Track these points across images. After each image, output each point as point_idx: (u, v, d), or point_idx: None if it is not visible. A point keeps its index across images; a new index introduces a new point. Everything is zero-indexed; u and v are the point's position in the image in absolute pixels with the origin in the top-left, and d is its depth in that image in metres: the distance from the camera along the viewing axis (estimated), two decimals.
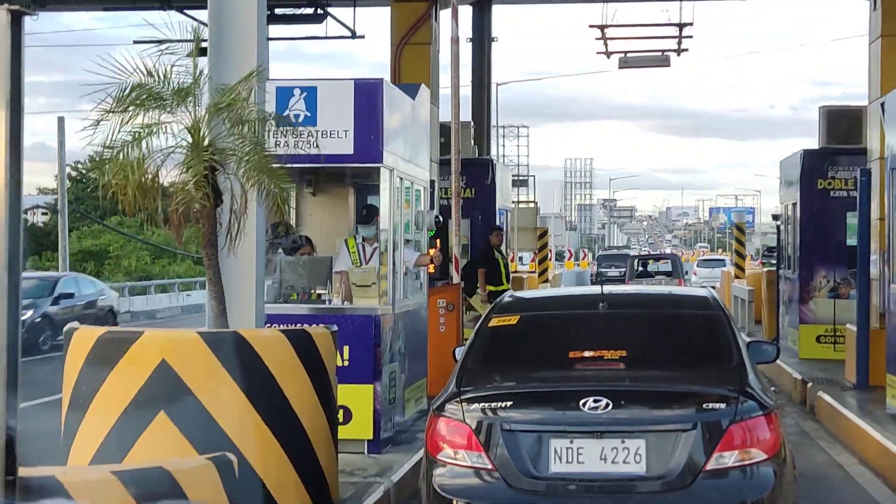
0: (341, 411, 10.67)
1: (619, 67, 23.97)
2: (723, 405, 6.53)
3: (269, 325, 10.77)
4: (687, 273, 44.78)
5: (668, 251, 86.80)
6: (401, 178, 11.74)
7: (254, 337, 7.71)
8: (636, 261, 41.13)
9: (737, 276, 28.21)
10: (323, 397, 7.90)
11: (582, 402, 6.49)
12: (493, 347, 7.56)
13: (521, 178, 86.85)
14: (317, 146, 10.69)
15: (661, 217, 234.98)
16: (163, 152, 7.89)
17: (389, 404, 11.15)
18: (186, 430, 7.42)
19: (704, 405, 6.57)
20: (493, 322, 7.74)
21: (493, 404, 6.68)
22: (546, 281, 28.92)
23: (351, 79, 11.07)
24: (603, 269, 55.16)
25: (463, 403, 6.72)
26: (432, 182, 15.54)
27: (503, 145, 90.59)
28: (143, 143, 7.76)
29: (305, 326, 8.64)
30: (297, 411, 7.67)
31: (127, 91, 7.78)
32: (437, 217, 13.24)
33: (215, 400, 7.49)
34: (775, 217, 20.86)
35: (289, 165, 9.90)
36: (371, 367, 10.68)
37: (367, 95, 10.83)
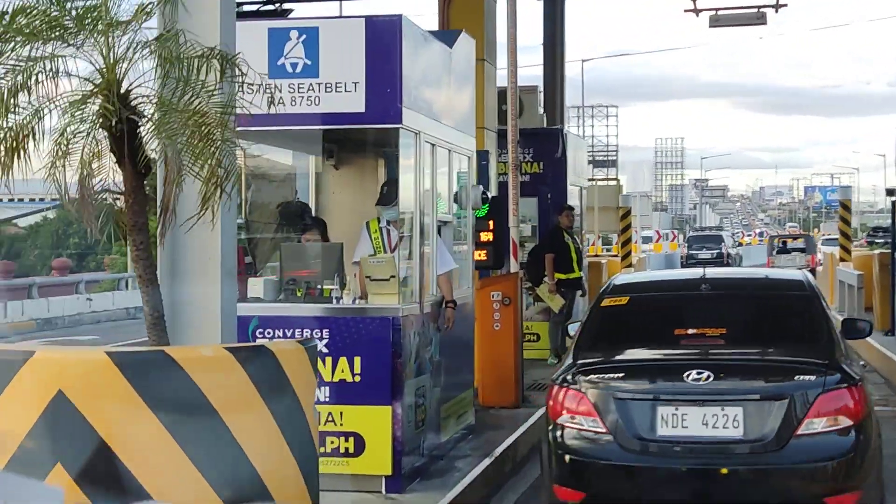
0: (351, 440, 8.43)
1: (710, 26, 21.35)
2: (813, 377, 7.20)
3: (260, 329, 8.52)
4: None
5: (758, 231, 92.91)
6: (431, 145, 9.40)
7: (187, 358, 5.46)
8: (776, 239, 51.86)
9: (842, 259, 25.26)
10: (290, 431, 5.62)
11: (686, 374, 7.26)
12: (605, 325, 8.25)
13: (608, 157, 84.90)
14: (318, 103, 8.43)
15: (755, 196, 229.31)
16: (63, 99, 5.66)
17: (416, 428, 8.85)
18: (91, 489, 5.24)
19: (796, 377, 7.25)
20: (606, 302, 8.39)
21: (607, 375, 7.50)
22: (630, 266, 26.37)
23: (361, 16, 8.75)
24: (693, 252, 52.37)
25: (579, 375, 7.49)
26: (483, 153, 13.18)
27: (592, 126, 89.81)
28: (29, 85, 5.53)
29: (267, 342, 6.34)
30: (248, 454, 5.42)
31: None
32: (484, 193, 10.87)
33: (132, 444, 5.28)
34: (890, 192, 18.12)
35: (264, 128, 7.68)
36: (388, 384, 8.38)
37: (382, 37, 8.50)
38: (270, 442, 5.53)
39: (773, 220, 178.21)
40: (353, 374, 8.41)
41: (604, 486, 7.33)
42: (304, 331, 8.47)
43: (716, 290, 8.54)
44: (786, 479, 7.02)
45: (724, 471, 7.04)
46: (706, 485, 7.14)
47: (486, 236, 12.37)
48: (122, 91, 5.71)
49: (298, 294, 8.86)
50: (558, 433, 7.40)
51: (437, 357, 9.50)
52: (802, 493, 7.08)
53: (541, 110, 17.24)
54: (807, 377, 7.16)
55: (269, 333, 8.50)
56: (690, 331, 8.00)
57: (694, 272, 10.44)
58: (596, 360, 7.63)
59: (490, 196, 12.49)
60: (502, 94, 17.15)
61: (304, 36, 8.53)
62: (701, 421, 7.07)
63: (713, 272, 9.58)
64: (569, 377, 7.48)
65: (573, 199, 18.20)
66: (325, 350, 8.40)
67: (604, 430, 7.21)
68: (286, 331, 8.48)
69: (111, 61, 5.67)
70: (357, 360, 8.40)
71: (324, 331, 8.44)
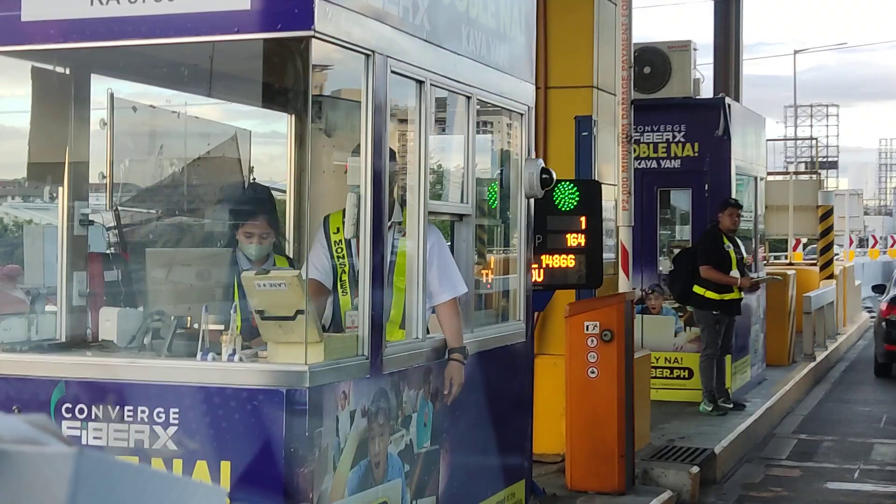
0: None
1: None
2: None
3: (68, 404, 4.79)
4: None
5: None
6: (417, 81, 5.47)
7: None
8: None
9: None
10: None
11: None
12: None
13: (828, 159, 79.89)
14: None
15: None
16: None
17: None
18: None
19: None
20: None
21: None
22: (830, 277, 21.62)
23: None
24: None
25: None
26: (584, 120, 9.15)
27: (811, 126, 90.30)
28: None
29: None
30: None
31: None
32: (546, 172, 6.80)
33: None
34: None
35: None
36: None
37: None
38: None
39: None
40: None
41: None
42: (141, 409, 4.66)
43: None
44: None
45: None
46: None
47: (574, 239, 8.33)
48: None
49: (163, 339, 5.06)
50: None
51: (432, 443, 5.56)
52: None
53: (696, 74, 13.01)
54: None
55: (81, 410, 4.73)
56: None
57: None
58: None
59: (581, 181, 8.46)
60: (646, 52, 13.02)
61: None
62: None
63: None
64: None
65: (742, 195, 13.88)
66: (172, 447, 4.59)
67: None
68: (109, 407, 4.70)
69: None
70: (225, 467, 4.54)
71: (171, 411, 4.62)
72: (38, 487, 0.87)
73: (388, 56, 5.10)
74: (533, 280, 8.08)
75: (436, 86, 5.66)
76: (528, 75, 6.93)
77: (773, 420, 12.86)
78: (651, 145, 13.16)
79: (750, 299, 13.59)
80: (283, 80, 6.07)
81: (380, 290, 5.05)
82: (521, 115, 6.82)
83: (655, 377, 13.07)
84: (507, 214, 6.88)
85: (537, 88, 10.03)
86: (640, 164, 13.20)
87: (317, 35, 4.57)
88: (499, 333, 6.52)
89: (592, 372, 8.47)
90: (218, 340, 4.88)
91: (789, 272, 17.22)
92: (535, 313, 9.49)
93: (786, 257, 24.44)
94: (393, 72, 5.17)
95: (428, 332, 5.87)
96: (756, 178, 14.88)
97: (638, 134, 13.20)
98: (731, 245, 12.13)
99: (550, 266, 8.25)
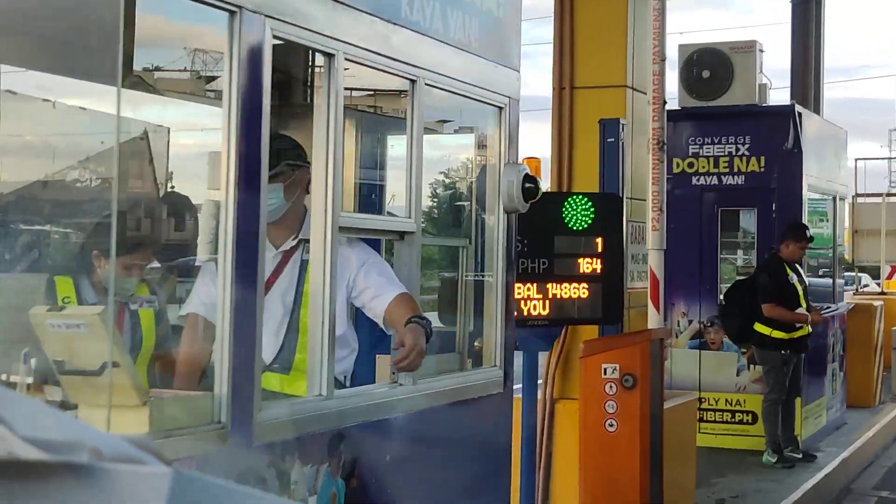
0: None
1: None
2: None
3: None
4: None
5: None
6: (327, 56, 4.14)
7: None
8: None
9: None
10: None
11: None
12: None
13: None
14: None
15: None
16: None
17: None
18: None
19: None
20: None
21: None
22: None
23: None
24: None
25: None
26: (610, 124, 7.77)
27: None
28: None
29: None
30: None
31: None
32: (530, 180, 5.38)
33: None
34: None
35: None
36: None
37: None
38: None
39: None
40: None
41: None
42: None
43: None
44: None
45: None
46: None
47: (588, 265, 6.91)
48: None
49: None
50: None
51: None
52: None
53: (762, 79, 11.47)
54: None
55: None
56: None
57: None
58: None
59: (597, 194, 7.06)
60: (705, 53, 11.58)
61: None
62: None
63: None
64: None
65: (813, 218, 12.30)
66: None
67: None
68: None
69: None
70: None
71: None
72: None
73: (267, 16, 3.78)
74: (535, 314, 6.70)
75: (354, 61, 4.33)
76: (510, 59, 5.55)
77: (851, 473, 11.20)
78: (711, 159, 11.66)
79: (824, 333, 12.00)
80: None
81: (249, 328, 3.71)
82: (500, 108, 5.44)
83: (714, 421, 11.58)
84: (482, 233, 5.49)
85: (561, 89, 8.67)
86: (698, 180, 11.72)
87: None
88: (462, 384, 5.14)
89: (611, 424, 7.03)
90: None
91: (876, 303, 15.50)
92: (553, 353, 8.10)
93: (878, 285, 22.55)
94: (277, 37, 3.86)
95: (346, 384, 4.55)
96: (835, 198, 13.26)
97: (697, 147, 11.75)
98: (794, 275, 10.58)
99: (558, 296, 6.86)
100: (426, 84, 4.77)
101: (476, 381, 5.25)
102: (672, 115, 11.86)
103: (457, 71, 5.05)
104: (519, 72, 5.62)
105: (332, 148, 4.15)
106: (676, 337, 11.71)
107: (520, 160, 5.69)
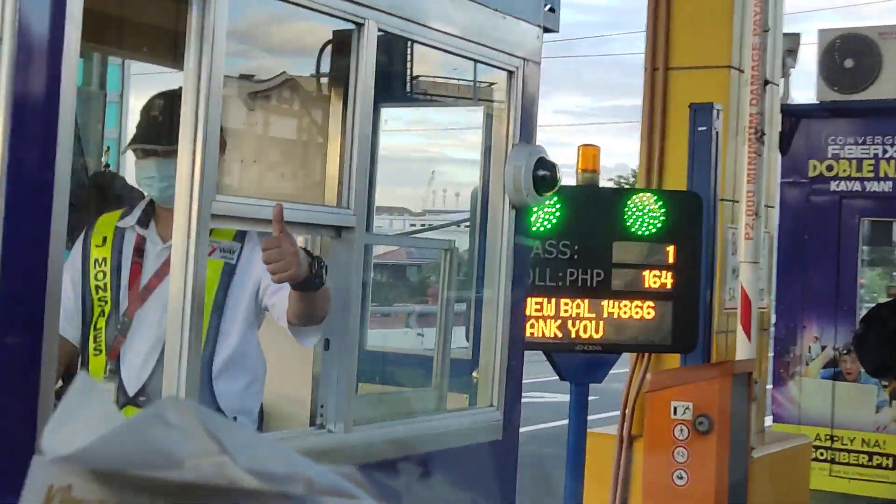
0: None
1: None
2: None
3: None
4: None
5: None
6: None
7: None
8: None
9: None
10: None
11: None
12: None
13: None
14: None
15: None
16: None
17: None
18: None
19: None
20: None
21: None
22: None
23: None
24: None
25: None
26: (703, 109, 6.43)
27: None
28: None
29: None
30: None
31: None
32: (545, 166, 4.13)
33: None
34: None
35: None
36: None
37: None
38: None
39: None
40: None
41: None
42: None
43: None
44: None
45: None
46: None
47: (655, 279, 5.58)
48: None
49: None
50: None
51: None
52: None
53: None
54: None
55: None
56: None
57: None
58: None
59: (669, 192, 5.75)
60: (848, 39, 10.07)
61: None
62: None
63: None
64: None
65: None
66: None
67: None
68: None
69: None
70: None
71: None
72: None
73: None
74: (585, 337, 5.44)
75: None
76: (527, 10, 4.28)
77: None
78: (853, 162, 10.11)
79: None
80: None
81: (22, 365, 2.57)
82: (511, 73, 4.19)
83: (848, 464, 10.03)
84: (483, 234, 4.25)
85: (654, 70, 7.34)
86: (838, 185, 10.17)
87: None
88: (434, 430, 3.91)
89: (680, 476, 5.68)
90: None
91: None
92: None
93: None
94: None
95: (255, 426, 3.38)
96: None
97: (837, 147, 10.22)
98: None
99: (615, 316, 5.55)
100: (380, 30, 3.56)
101: (459, 427, 4.01)
102: (808, 110, 10.36)
103: (438, 15, 3.82)
104: (541, 27, 4.35)
105: (202, 109, 2.99)
106: (807, 364, 10.21)
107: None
